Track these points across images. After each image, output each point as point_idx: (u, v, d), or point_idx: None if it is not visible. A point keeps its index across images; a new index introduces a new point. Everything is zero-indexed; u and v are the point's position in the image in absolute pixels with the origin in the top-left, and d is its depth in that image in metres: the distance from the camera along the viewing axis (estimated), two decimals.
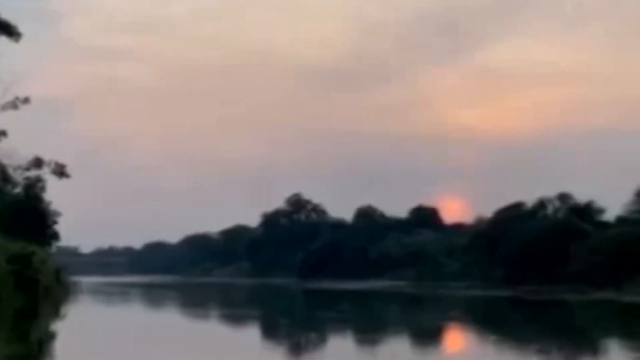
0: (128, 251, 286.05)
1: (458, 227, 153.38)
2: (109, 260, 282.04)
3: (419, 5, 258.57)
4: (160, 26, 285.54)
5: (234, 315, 58.95)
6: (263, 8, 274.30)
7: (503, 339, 37.86)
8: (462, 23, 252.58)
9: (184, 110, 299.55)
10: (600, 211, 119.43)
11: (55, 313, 56.54)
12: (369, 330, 44.57)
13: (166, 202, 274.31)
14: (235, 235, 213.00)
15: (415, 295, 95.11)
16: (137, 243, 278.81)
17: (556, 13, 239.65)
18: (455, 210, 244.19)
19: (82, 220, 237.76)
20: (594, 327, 50.51)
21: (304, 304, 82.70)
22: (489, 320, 53.83)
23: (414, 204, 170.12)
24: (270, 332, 46.46)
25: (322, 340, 40.20)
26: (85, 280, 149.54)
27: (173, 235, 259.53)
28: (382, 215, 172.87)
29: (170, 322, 53.32)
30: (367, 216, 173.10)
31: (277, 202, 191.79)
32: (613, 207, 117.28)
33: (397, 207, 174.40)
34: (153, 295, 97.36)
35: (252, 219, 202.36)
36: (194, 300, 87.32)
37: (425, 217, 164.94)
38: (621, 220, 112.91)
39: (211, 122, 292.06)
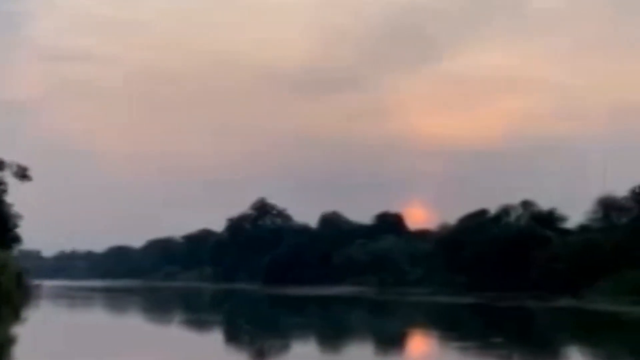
0: (90, 255, 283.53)
1: (422, 234, 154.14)
2: (72, 264, 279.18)
3: (385, 11, 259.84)
4: (123, 28, 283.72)
5: (197, 320, 58.68)
6: (227, 12, 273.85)
7: (465, 345, 38.13)
8: (428, 30, 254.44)
9: (147, 113, 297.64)
10: (562, 219, 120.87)
11: (16, 317, 55.88)
12: (332, 336, 44.65)
13: (129, 206, 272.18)
14: (199, 239, 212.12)
15: (378, 301, 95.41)
16: (100, 247, 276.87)
17: (523, 22, 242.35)
18: (420, 216, 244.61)
19: (44, 223, 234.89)
20: (554, 333, 51.07)
21: (267, 310, 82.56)
22: (451, 326, 54.18)
23: (378, 210, 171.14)
24: (232, 337, 46.32)
25: (285, 346, 40.17)
26: (47, 284, 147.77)
27: (136, 239, 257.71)
28: (346, 221, 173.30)
29: (132, 327, 52.93)
30: (332, 222, 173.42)
31: (241, 206, 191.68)
32: (575, 215, 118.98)
33: (361, 213, 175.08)
34: (116, 300, 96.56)
35: (217, 224, 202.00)
36: (157, 304, 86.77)
37: (389, 223, 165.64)
38: (582, 228, 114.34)
39: (175, 125, 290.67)
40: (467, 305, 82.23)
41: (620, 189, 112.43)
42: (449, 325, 55.95)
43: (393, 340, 43.78)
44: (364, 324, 58.14)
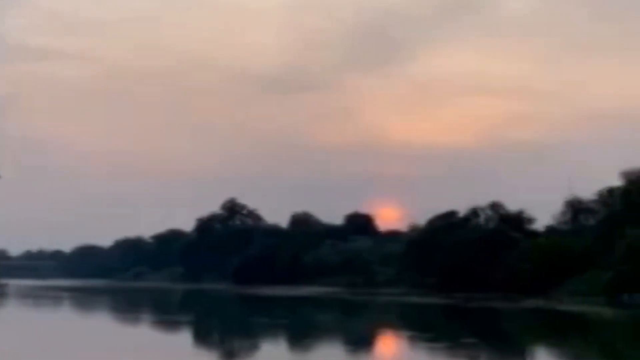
0: (58, 254, 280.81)
1: (393, 235, 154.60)
2: (39, 264, 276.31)
3: (356, 14, 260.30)
4: (99, 28, 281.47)
5: (166, 320, 58.35)
6: (203, 14, 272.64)
7: (435, 345, 38.28)
8: (398, 32, 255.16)
9: (118, 113, 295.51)
10: (531, 220, 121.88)
11: None
12: (302, 336, 44.61)
13: (98, 205, 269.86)
14: (168, 239, 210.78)
15: (349, 302, 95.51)
16: (68, 246, 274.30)
17: (492, 24, 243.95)
18: (390, 217, 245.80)
19: (10, 222, 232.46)
20: (523, 334, 51.46)
21: (237, 310, 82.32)
22: (421, 326, 54.37)
23: (349, 211, 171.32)
24: (202, 338, 46.12)
25: (254, 346, 40.08)
26: (14, 283, 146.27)
27: (105, 238, 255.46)
28: (317, 222, 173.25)
29: (100, 327, 52.52)
30: (303, 222, 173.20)
31: (212, 206, 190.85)
32: (543, 217, 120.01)
33: (332, 214, 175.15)
34: (84, 300, 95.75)
35: (186, 224, 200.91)
36: (125, 305, 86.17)
37: (360, 224, 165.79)
38: (550, 230, 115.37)
39: (146, 125, 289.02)
40: (436, 305, 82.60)
41: (588, 192, 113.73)
42: (419, 325, 56.15)
43: (364, 340, 43.84)
44: (335, 324, 58.17)
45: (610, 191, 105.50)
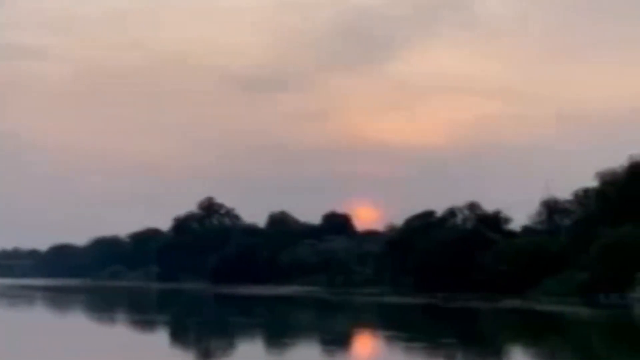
0: (34, 253, 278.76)
1: (370, 234, 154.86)
2: (14, 263, 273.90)
3: (334, 13, 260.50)
4: (74, 27, 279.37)
5: (142, 320, 58.02)
6: (179, 12, 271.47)
7: (412, 345, 38.32)
8: (376, 32, 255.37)
9: (95, 111, 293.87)
10: (508, 221, 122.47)
11: None
12: (280, 336, 44.49)
13: (73, 204, 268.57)
14: (145, 238, 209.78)
15: (326, 301, 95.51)
16: (43, 245, 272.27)
17: (470, 26, 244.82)
18: (368, 217, 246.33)
19: None
20: (500, 333, 51.66)
21: (214, 309, 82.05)
22: (399, 326, 54.43)
23: (326, 210, 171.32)
24: (178, 337, 45.89)
25: (231, 346, 39.93)
26: None
27: (80, 237, 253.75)
28: (294, 221, 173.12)
29: (75, 327, 52.13)
30: (280, 222, 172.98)
31: (189, 205, 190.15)
32: (519, 217, 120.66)
33: (309, 214, 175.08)
34: (59, 299, 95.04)
35: (163, 223, 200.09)
36: (102, 304, 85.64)
37: (338, 224, 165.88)
38: (527, 230, 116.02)
39: (123, 124, 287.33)
40: (414, 305, 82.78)
41: (564, 192, 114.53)
42: (396, 325, 56.20)
43: (342, 340, 43.81)
44: (312, 324, 58.10)
45: (586, 191, 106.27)
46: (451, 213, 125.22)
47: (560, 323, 59.42)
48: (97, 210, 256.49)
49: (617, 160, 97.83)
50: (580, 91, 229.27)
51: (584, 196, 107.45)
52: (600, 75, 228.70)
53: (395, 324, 57.60)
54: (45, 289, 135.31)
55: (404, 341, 40.92)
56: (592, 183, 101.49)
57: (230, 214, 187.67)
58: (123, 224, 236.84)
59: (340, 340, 43.38)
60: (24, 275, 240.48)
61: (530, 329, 54.66)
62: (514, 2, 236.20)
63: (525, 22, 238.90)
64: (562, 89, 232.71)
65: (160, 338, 45.01)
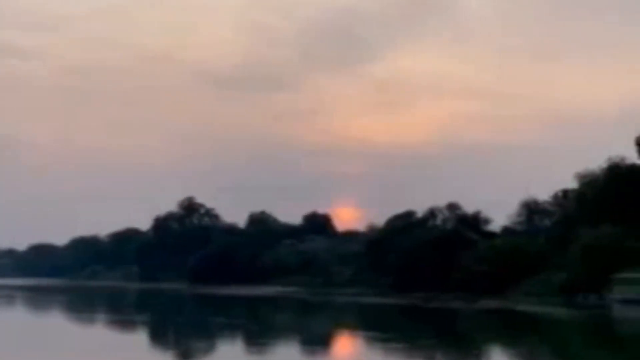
0: (12, 253, 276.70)
1: (350, 235, 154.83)
2: None
3: (317, 13, 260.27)
4: (55, 25, 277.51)
5: (121, 320, 57.73)
6: (162, 11, 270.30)
7: (391, 346, 38.33)
8: (359, 33, 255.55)
9: (74, 110, 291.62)
10: (487, 221, 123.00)
11: None
12: (259, 336, 44.39)
13: (53, 203, 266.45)
14: (125, 238, 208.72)
15: (306, 302, 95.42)
16: (22, 244, 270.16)
17: (453, 27, 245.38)
18: (348, 218, 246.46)
19: None
20: (480, 334, 51.80)
21: (194, 309, 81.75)
22: (378, 327, 54.45)
23: (307, 211, 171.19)
24: (157, 338, 45.68)
25: (210, 346, 39.78)
26: None
27: (60, 237, 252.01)
28: (275, 222, 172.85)
29: (52, 328, 51.78)
30: (261, 222, 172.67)
31: (169, 205, 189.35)
32: (499, 218, 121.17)
33: (290, 214, 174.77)
34: (38, 299, 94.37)
35: (143, 222, 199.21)
36: (81, 304, 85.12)
37: (318, 224, 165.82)
38: (507, 230, 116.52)
39: (103, 123, 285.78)
40: (394, 306, 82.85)
41: (543, 194, 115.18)
42: (375, 326, 56.21)
43: (322, 341, 43.76)
44: (292, 324, 58.01)
45: (565, 193, 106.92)
46: (431, 213, 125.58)
47: (538, 323, 59.66)
48: (76, 210, 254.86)
49: (596, 161, 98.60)
50: (560, 92, 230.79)
51: (563, 197, 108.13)
52: (580, 76, 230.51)
53: (374, 325, 57.62)
54: (24, 288, 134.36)
55: (383, 342, 40.93)
56: (572, 184, 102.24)
57: (210, 213, 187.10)
58: (103, 224, 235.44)
59: (319, 341, 43.33)
60: (2, 274, 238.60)
61: (509, 329, 54.87)
62: (496, 4, 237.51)
63: (507, 24, 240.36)
64: (543, 90, 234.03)
65: (138, 338, 44.77)
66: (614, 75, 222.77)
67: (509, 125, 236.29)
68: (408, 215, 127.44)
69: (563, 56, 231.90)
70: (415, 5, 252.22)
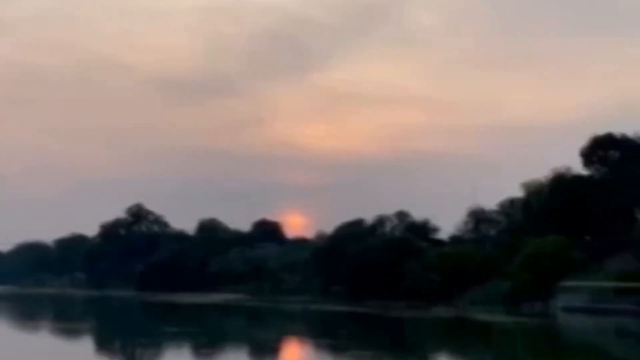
0: None
1: (300, 242, 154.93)
2: None
3: (266, 22, 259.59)
4: (3, 28, 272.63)
5: (67, 328, 56.97)
6: (110, 16, 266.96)
7: (337, 354, 38.46)
8: (307, 41, 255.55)
9: (22, 115, 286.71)
10: (436, 230, 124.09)
11: None
12: (207, 343, 44.19)
13: None
14: (71, 244, 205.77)
15: (255, 309, 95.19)
16: None
17: (399, 36, 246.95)
18: (298, 225, 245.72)
19: None
20: (428, 341, 52.25)
21: (141, 317, 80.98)
22: (325, 334, 54.59)
23: (256, 218, 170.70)
24: (103, 345, 45.19)
25: (156, 355, 39.49)
26: None
27: (4, 242, 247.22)
28: (224, 229, 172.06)
29: None
30: (210, 229, 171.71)
31: (116, 211, 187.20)
32: (447, 226, 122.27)
33: (240, 221, 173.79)
34: None
35: (90, 229, 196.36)
36: (25, 312, 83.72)
37: (267, 231, 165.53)
38: (454, 239, 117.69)
39: (49, 128, 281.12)
40: (340, 313, 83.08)
41: (490, 202, 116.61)
42: (322, 333, 56.32)
43: (269, 348, 43.74)
44: (240, 331, 57.85)
45: (512, 202, 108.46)
46: (380, 221, 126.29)
47: (484, 331, 60.38)
48: (21, 216, 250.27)
49: (541, 171, 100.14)
50: (507, 102, 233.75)
51: (509, 206, 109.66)
52: (526, 86, 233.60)
53: (321, 332, 57.73)
54: None
55: (332, 349, 41.05)
56: (519, 193, 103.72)
57: (159, 220, 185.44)
58: (49, 230, 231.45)
59: (267, 348, 43.31)
60: None
61: (454, 337, 55.43)
62: (444, 14, 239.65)
63: (454, 34, 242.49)
64: (490, 100, 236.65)
65: (83, 346, 44.24)
66: (559, 86, 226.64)
67: (456, 134, 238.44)
68: (357, 223, 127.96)
69: (509, 66, 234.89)
70: (363, 15, 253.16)
